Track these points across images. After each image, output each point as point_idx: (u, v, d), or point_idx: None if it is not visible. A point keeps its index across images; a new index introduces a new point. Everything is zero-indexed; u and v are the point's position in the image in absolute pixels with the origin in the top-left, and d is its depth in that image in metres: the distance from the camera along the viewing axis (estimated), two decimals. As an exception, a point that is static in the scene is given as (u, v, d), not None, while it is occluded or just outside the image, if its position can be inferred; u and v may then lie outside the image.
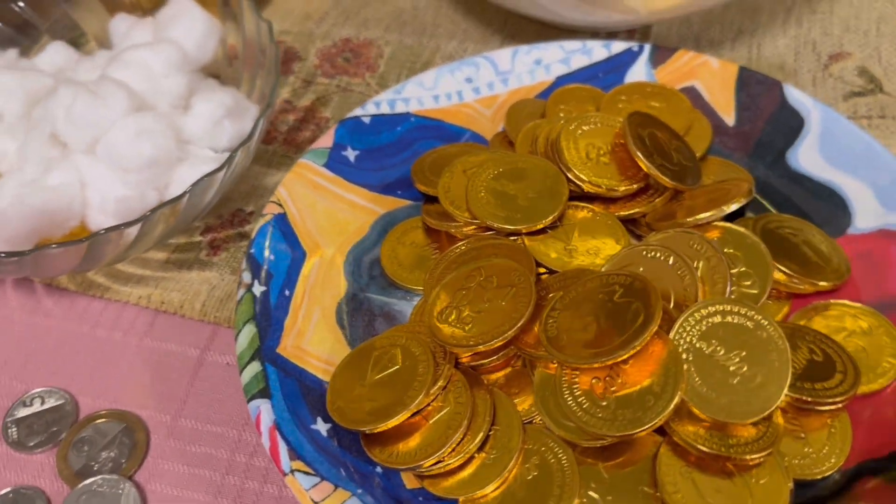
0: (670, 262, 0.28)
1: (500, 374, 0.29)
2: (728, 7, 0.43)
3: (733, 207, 0.29)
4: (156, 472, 0.29)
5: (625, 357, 0.25)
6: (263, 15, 0.45)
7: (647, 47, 0.37)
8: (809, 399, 0.26)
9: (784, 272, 0.29)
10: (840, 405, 0.26)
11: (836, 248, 0.31)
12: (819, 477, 0.26)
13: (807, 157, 0.34)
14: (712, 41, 0.42)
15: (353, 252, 0.33)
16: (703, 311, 0.26)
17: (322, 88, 0.41)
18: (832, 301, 0.30)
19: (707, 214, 0.29)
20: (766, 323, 0.26)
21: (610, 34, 0.43)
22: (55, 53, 0.39)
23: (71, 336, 0.33)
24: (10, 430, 0.30)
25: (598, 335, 0.26)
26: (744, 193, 0.30)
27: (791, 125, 0.35)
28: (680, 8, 0.37)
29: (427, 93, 0.37)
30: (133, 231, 0.29)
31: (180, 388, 0.31)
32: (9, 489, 0.29)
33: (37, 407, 0.31)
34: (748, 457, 0.25)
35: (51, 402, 0.31)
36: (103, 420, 0.30)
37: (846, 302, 0.30)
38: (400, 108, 0.37)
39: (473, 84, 0.38)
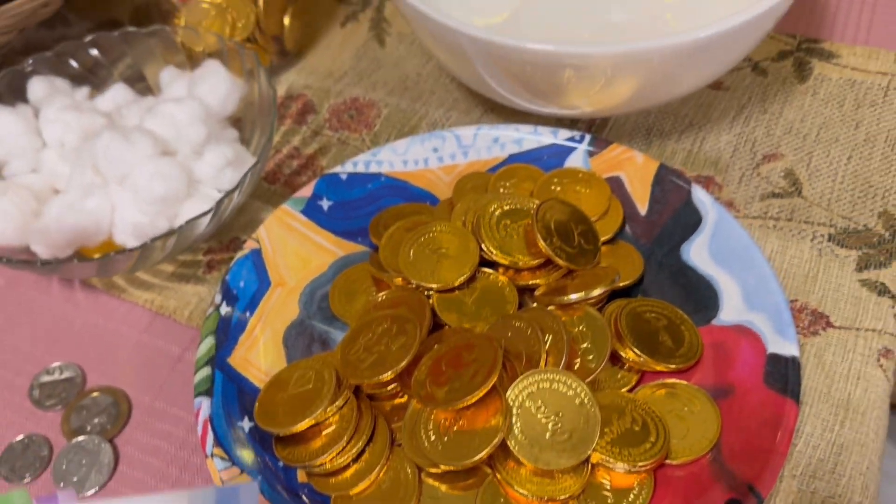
0: (528, 332, 0.35)
1: (393, 402, 0.36)
2: (685, 102, 0.48)
3: (595, 293, 0.35)
4: (130, 439, 0.38)
5: (460, 407, 0.32)
6: (295, 70, 0.54)
7: (587, 138, 0.44)
8: (613, 460, 0.32)
9: (635, 352, 0.35)
10: (643, 469, 0.32)
11: (694, 335, 0.37)
12: (613, 523, 0.32)
13: (697, 252, 0.39)
14: (662, 132, 0.47)
15: (309, 285, 0.42)
16: (536, 378, 0.33)
17: (325, 140, 0.49)
18: (677, 381, 0.36)
19: (576, 296, 0.36)
20: (582, 393, 0.32)
21: (573, 121, 0.49)
22: (116, 93, 0.48)
23: (90, 324, 0.43)
24: (34, 391, 0.40)
25: (452, 385, 0.33)
26: (607, 283, 0.36)
27: (690, 222, 0.40)
28: (621, 107, 0.43)
29: (398, 157, 0.45)
30: (134, 255, 0.39)
31: (161, 376, 0.40)
32: (24, 435, 0.39)
33: (56, 376, 0.41)
34: (547, 496, 0.31)
35: (66, 374, 0.41)
36: (100, 393, 0.40)
37: (688, 384, 0.35)
38: (374, 169, 0.45)
39: (438, 154, 0.45)
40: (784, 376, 0.34)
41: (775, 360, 0.35)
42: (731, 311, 0.37)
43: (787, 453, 0.32)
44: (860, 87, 0.47)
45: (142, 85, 0.51)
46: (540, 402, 0.32)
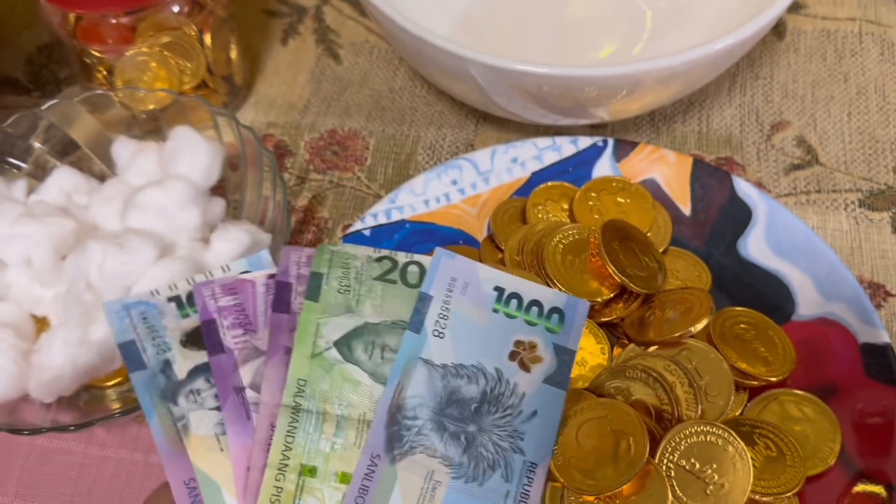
0: (651, 382, 0.33)
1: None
2: (679, 78, 0.47)
3: (699, 327, 0.34)
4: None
5: (616, 490, 0.30)
6: (250, 106, 0.47)
7: (611, 142, 0.42)
8: (765, 494, 0.32)
9: (743, 372, 0.35)
10: (794, 493, 0.33)
11: (783, 338, 0.37)
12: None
13: (755, 247, 0.39)
14: (665, 116, 0.46)
15: (369, 365, 0.38)
16: (683, 433, 0.32)
17: (316, 185, 0.44)
18: (782, 390, 0.36)
19: (677, 335, 0.34)
20: (731, 439, 0.32)
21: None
22: (62, 179, 0.41)
23: (126, 462, 0.37)
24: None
25: (596, 465, 0.31)
26: (706, 312, 0.35)
27: (739, 216, 0.40)
28: (638, 111, 0.41)
29: (418, 199, 0.41)
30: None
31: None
32: None
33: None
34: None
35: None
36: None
37: (793, 391, 0.35)
38: (395, 217, 0.41)
39: (458, 185, 0.42)
40: (885, 365, 0.35)
41: (870, 350, 0.35)
42: (808, 304, 0.37)
43: (913, 443, 0.33)
44: (835, 37, 0.48)
45: (78, 154, 0.44)
46: (692, 458, 0.32)
